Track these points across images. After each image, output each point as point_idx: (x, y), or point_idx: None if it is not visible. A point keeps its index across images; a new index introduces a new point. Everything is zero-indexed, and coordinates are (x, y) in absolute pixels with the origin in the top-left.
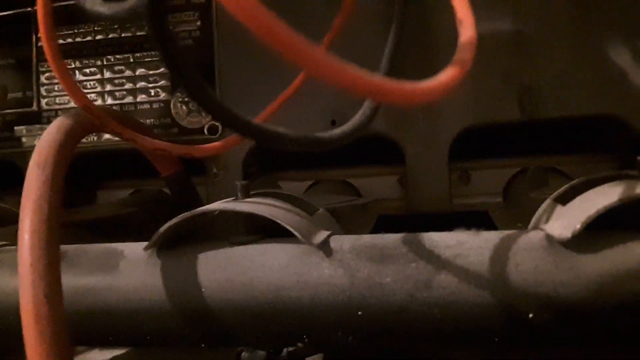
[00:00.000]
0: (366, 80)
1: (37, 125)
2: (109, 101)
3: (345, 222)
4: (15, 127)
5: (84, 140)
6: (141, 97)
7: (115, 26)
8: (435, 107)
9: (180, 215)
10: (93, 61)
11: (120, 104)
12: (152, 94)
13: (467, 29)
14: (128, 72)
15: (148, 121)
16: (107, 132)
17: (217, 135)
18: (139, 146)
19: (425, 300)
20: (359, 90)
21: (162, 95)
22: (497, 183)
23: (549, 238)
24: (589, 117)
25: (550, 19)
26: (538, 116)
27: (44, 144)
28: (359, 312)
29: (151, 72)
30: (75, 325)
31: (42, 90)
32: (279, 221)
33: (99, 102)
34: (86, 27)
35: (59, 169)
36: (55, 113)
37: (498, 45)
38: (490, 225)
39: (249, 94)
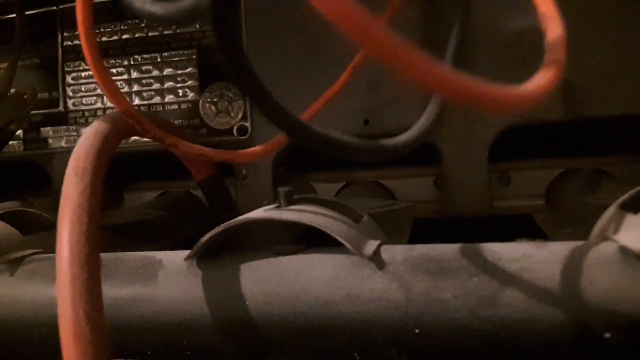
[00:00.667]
0: (461, 84)
1: (64, 127)
2: (136, 101)
3: (381, 227)
4: (42, 128)
5: None
6: (169, 98)
7: (142, 25)
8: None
9: (223, 224)
10: (120, 61)
11: (148, 105)
12: (180, 94)
13: (553, 26)
14: (156, 72)
15: (177, 122)
16: (148, 137)
17: (247, 136)
18: (180, 152)
19: (490, 318)
20: (450, 93)
21: (191, 95)
22: (539, 185)
23: (624, 251)
24: (637, 117)
25: (596, 13)
26: (583, 115)
27: (81, 149)
28: (416, 330)
29: (179, 71)
30: (112, 338)
31: (69, 91)
32: (328, 231)
33: None
34: (112, 27)
35: (97, 177)
36: (82, 114)
37: (541, 41)
38: (531, 230)
39: (278, 93)
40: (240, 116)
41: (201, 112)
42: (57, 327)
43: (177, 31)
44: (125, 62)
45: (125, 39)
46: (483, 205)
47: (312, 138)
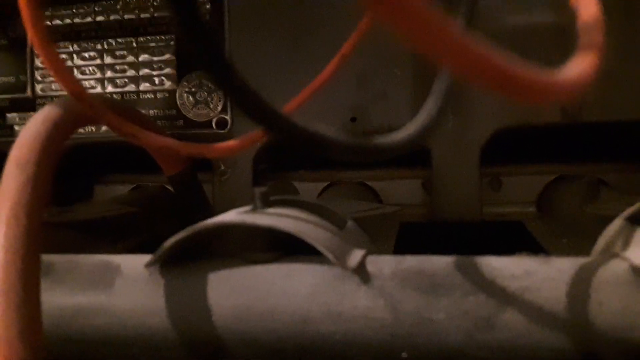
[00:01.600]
0: (488, 60)
1: (31, 113)
2: (109, 89)
3: (367, 232)
4: (7, 114)
5: (81, 130)
6: (144, 86)
7: (118, 7)
8: (465, 106)
9: (189, 228)
10: (92, 44)
11: (122, 93)
12: (157, 82)
13: (587, 5)
14: (130, 58)
15: (151, 112)
16: (102, 125)
17: (226, 129)
18: (141, 144)
19: (487, 342)
20: (471, 69)
21: (167, 84)
22: (530, 191)
23: (636, 270)
24: (637, 123)
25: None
26: (581, 119)
27: (25, 137)
28: (404, 354)
29: (155, 58)
30: (61, 351)
31: (37, 75)
32: (307, 239)
33: (98, 89)
34: (86, 8)
35: (42, 169)
36: (51, 99)
37: (537, 40)
38: (521, 237)
39: (260, 83)
40: (220, 108)
41: (178, 103)
42: None
43: (155, 15)
44: (99, 46)
45: (99, 21)
46: (472, 210)
47: (294, 133)
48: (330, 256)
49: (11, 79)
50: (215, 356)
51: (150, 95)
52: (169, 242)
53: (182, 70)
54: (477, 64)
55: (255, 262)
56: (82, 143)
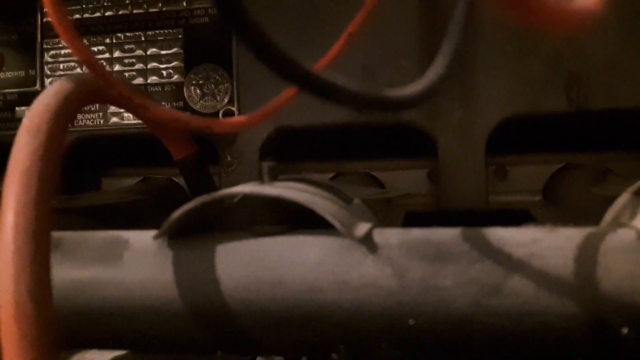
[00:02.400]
0: None
1: None
2: None
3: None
4: (17, 108)
5: (88, 122)
6: (152, 79)
7: (127, 1)
8: (472, 94)
9: (197, 199)
10: (101, 39)
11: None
12: (164, 75)
13: None
14: (139, 52)
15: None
16: (113, 98)
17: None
18: (150, 115)
19: (494, 308)
20: None
21: (175, 77)
22: (536, 180)
23: None
24: None
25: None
26: (587, 107)
27: (38, 107)
28: (410, 321)
29: (163, 52)
30: (70, 324)
31: (47, 69)
32: (315, 208)
33: None
34: (95, 3)
35: (54, 138)
36: None
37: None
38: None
39: (267, 74)
40: (226, 100)
41: (185, 95)
42: None
43: (163, 9)
44: (107, 40)
45: (108, 16)
46: (478, 200)
47: (310, 81)
48: (337, 225)
49: (21, 73)
50: (223, 326)
51: (158, 88)
52: (177, 213)
53: (190, 63)
54: None
55: (263, 234)
56: (89, 135)
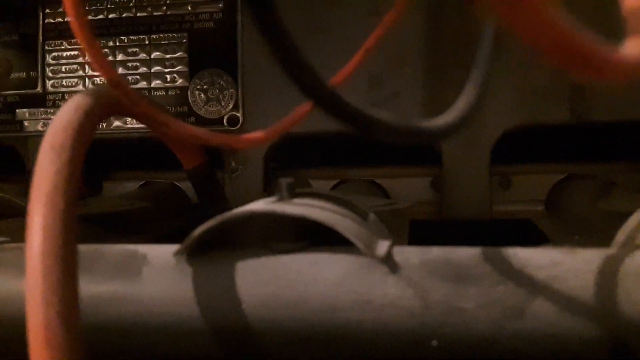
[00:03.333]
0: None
1: (41, 109)
2: None
3: None
4: (17, 110)
5: None
6: (156, 83)
7: (131, 4)
8: None
9: (219, 216)
10: (105, 42)
11: (133, 89)
12: (168, 79)
13: None
14: (142, 55)
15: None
16: (135, 114)
17: (238, 126)
18: (172, 133)
19: (517, 331)
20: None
21: (179, 81)
22: (539, 190)
23: None
24: None
25: (603, 10)
26: (589, 119)
27: (60, 123)
28: (433, 342)
29: (168, 55)
30: (89, 341)
31: (48, 71)
32: (338, 228)
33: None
34: (98, 5)
35: (77, 156)
36: (62, 96)
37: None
38: (530, 234)
39: (272, 80)
40: (231, 105)
41: (190, 100)
42: (24, 327)
43: (168, 13)
44: (111, 43)
45: (112, 19)
46: (482, 209)
47: (340, 110)
48: (360, 245)
49: (22, 74)
50: (243, 344)
51: (162, 92)
52: (199, 231)
53: (194, 67)
54: (559, 41)
55: (283, 252)
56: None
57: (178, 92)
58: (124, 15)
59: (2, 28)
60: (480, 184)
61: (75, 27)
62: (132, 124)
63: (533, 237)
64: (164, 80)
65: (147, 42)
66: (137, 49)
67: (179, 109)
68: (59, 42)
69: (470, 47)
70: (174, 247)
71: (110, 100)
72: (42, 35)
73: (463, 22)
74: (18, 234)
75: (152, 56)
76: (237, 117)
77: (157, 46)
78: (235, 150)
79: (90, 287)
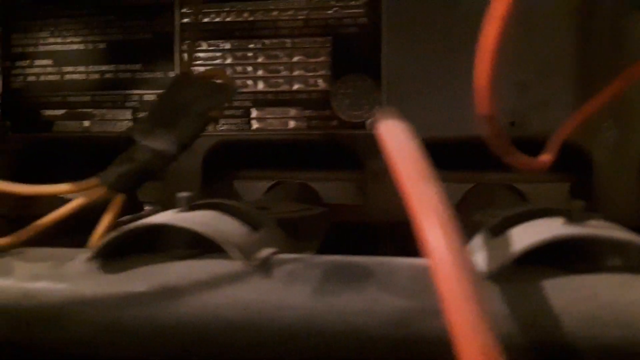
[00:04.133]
0: None
1: None
2: (260, 87)
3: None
4: None
5: (232, 127)
6: (298, 86)
7: (272, 7)
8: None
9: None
10: (245, 43)
11: (275, 91)
12: (311, 83)
13: None
14: (285, 59)
15: (305, 112)
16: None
17: None
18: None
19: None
20: None
21: (322, 85)
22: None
23: None
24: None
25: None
26: None
27: (405, 150)
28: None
29: (310, 59)
30: None
31: None
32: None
33: (249, 88)
34: (240, 6)
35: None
36: None
37: None
38: None
39: (415, 84)
40: (375, 109)
41: (333, 104)
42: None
43: (311, 16)
44: (252, 45)
45: (253, 21)
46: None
47: None
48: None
49: (157, 74)
50: None
51: (304, 96)
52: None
53: (337, 71)
54: None
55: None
56: (230, 140)
57: (320, 95)
58: (266, 17)
59: (137, 26)
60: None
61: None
62: (272, 125)
63: None
64: (307, 83)
65: (289, 46)
66: (279, 52)
67: (321, 112)
68: (196, 42)
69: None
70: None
71: None
72: (179, 35)
73: (614, 30)
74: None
75: (294, 60)
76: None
77: (299, 50)
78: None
79: None
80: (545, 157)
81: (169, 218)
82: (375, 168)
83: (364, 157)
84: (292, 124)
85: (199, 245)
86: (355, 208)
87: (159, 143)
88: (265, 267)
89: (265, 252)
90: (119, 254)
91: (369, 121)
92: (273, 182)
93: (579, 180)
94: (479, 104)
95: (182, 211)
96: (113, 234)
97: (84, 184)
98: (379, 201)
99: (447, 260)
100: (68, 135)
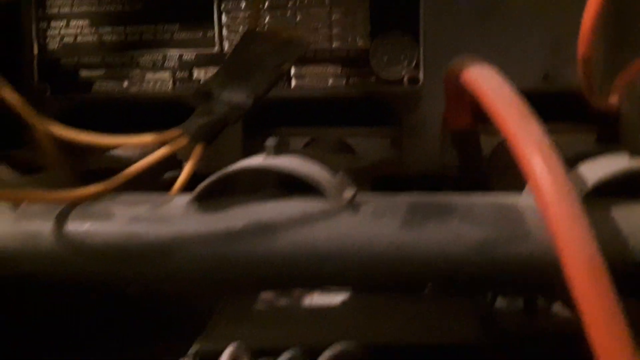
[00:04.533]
0: None
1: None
2: None
3: None
4: (194, 69)
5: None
6: (337, 44)
7: None
8: None
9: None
10: (284, 2)
11: (314, 50)
12: (349, 40)
13: None
14: (323, 16)
15: (343, 70)
16: None
17: (418, 85)
18: None
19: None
20: None
21: (360, 42)
22: None
23: None
24: None
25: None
26: None
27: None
28: None
29: (349, 17)
30: None
31: (225, 31)
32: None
33: None
34: None
35: None
36: None
37: None
38: None
39: (452, 41)
40: (412, 65)
41: (371, 61)
42: None
43: None
44: (290, 4)
45: None
46: None
47: None
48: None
49: (198, 34)
50: None
51: (343, 54)
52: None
53: (376, 29)
54: None
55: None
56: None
57: (359, 53)
58: None
59: None
60: None
61: None
62: (311, 84)
63: None
64: (345, 41)
65: (327, 3)
66: (318, 10)
67: (360, 69)
68: (235, 2)
69: None
70: None
71: None
72: None
73: None
74: None
75: (333, 18)
76: (418, 77)
77: (337, 7)
78: None
79: None
80: (613, 99)
81: (265, 161)
82: (412, 123)
83: (402, 113)
84: (330, 81)
85: (285, 187)
86: (391, 163)
87: (236, 96)
88: (354, 205)
89: (350, 191)
90: (214, 196)
91: (406, 77)
92: (308, 139)
93: (603, 131)
94: (581, 46)
95: (268, 157)
96: (212, 177)
97: (167, 134)
98: (415, 156)
99: (552, 182)
100: (107, 96)
